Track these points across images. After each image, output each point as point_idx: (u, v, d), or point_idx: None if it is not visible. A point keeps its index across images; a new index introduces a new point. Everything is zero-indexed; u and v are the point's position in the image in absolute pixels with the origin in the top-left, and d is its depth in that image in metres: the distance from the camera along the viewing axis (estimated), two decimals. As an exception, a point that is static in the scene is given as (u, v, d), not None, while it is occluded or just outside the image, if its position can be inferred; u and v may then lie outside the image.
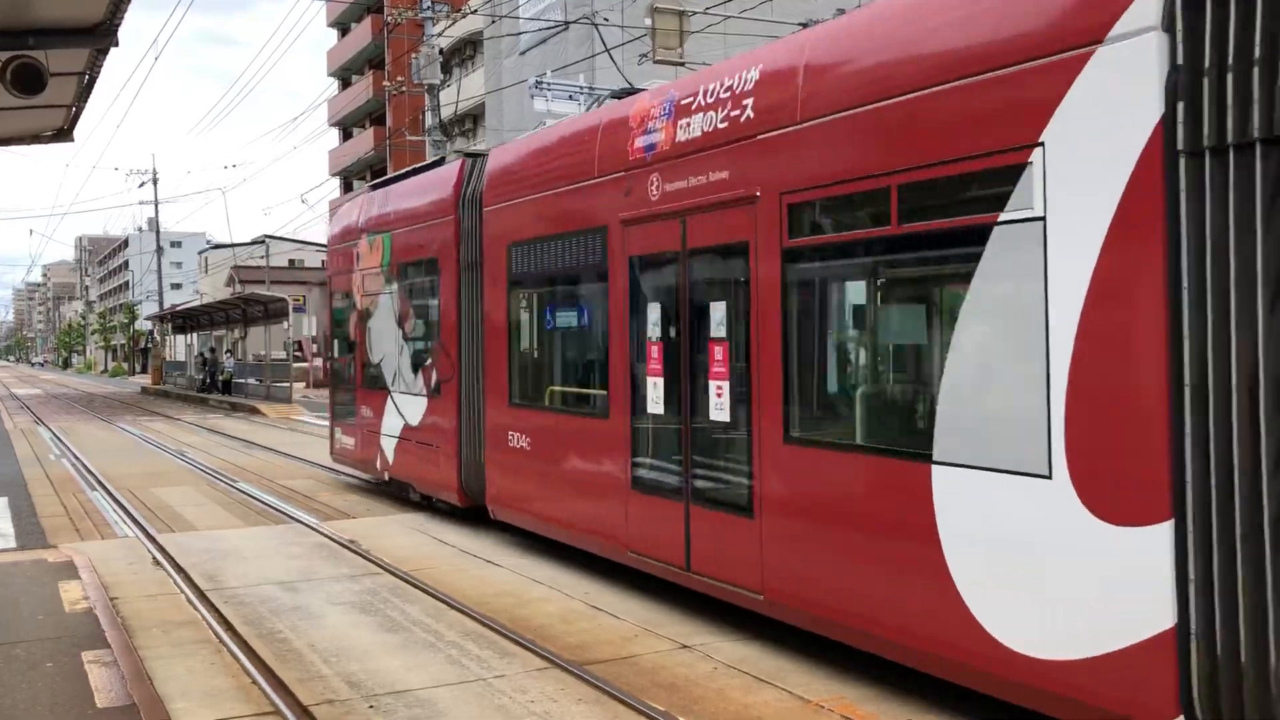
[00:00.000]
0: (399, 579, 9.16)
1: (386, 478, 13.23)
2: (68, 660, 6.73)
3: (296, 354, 47.48)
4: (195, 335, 51.43)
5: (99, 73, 11.00)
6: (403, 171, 13.48)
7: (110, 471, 17.54)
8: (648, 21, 21.40)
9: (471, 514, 11.51)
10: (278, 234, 61.98)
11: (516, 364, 10.20)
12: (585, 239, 8.81)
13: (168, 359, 59.14)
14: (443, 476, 11.58)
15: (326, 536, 11.23)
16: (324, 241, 79.99)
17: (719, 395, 7.28)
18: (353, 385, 14.38)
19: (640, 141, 8.08)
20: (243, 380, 40.70)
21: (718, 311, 7.37)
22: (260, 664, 6.77)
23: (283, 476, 16.78)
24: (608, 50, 22.72)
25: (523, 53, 38.29)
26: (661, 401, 7.87)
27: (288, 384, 35.81)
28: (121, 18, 9.40)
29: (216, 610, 8.17)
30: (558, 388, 9.76)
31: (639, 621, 7.69)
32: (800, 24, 8.22)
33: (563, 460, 9.20)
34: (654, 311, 8.00)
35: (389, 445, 12.98)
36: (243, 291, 49.96)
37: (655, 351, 7.96)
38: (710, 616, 7.69)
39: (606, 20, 26.72)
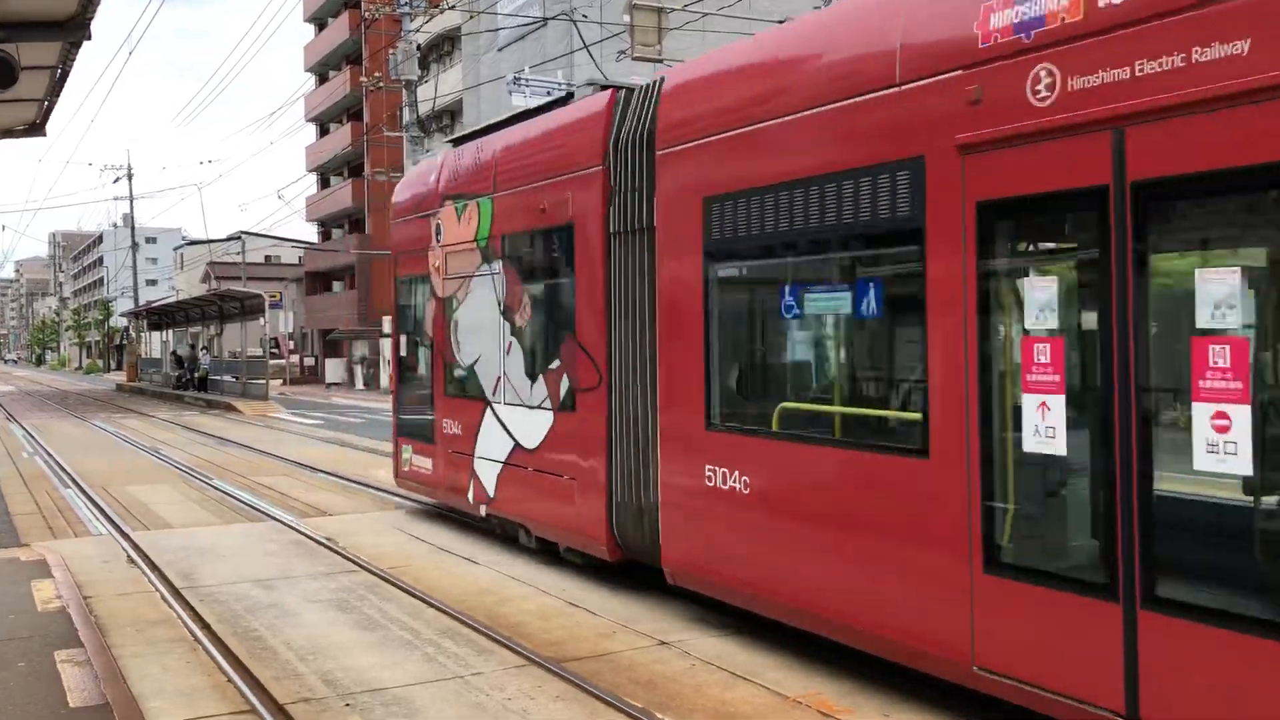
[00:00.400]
0: (376, 577, 9.12)
1: (483, 513, 10.25)
2: (40, 660, 6.67)
3: (273, 351, 47.30)
4: (171, 332, 51.12)
5: (71, 66, 10.93)
6: (508, 116, 10.52)
7: (84, 469, 17.40)
8: (626, 18, 21.40)
9: (609, 567, 8.62)
10: (254, 230, 61.63)
11: (720, 369, 7.23)
12: (872, 180, 5.87)
13: (143, 356, 58.72)
14: (581, 520, 8.62)
15: (303, 534, 11.17)
16: (301, 238, 78.96)
17: (1222, 429, 4.43)
18: (430, 392, 11.41)
19: (1003, 17, 5.26)
20: (218, 377, 40.46)
21: (1216, 286, 4.45)
22: (236, 662, 6.73)
23: (259, 474, 16.69)
24: (586, 47, 22.71)
25: (501, 49, 38.22)
26: (1060, 434, 5.03)
27: (264, 381, 35.64)
28: (94, 11, 9.34)
29: (192, 608, 8.11)
30: (806, 405, 6.76)
31: (617, 618, 7.69)
32: (778, 21, 7.94)
33: (821, 514, 6.23)
34: (1038, 290, 5.15)
35: (488, 472, 10.03)
36: (219, 288, 49.68)
37: (1045, 354, 5.16)
38: (688, 613, 7.69)
39: (585, 17, 26.70)
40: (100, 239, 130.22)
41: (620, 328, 8.18)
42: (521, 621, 7.67)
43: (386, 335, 47.82)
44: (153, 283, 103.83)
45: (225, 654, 6.91)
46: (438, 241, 11.05)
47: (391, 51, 37.01)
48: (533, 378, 9.35)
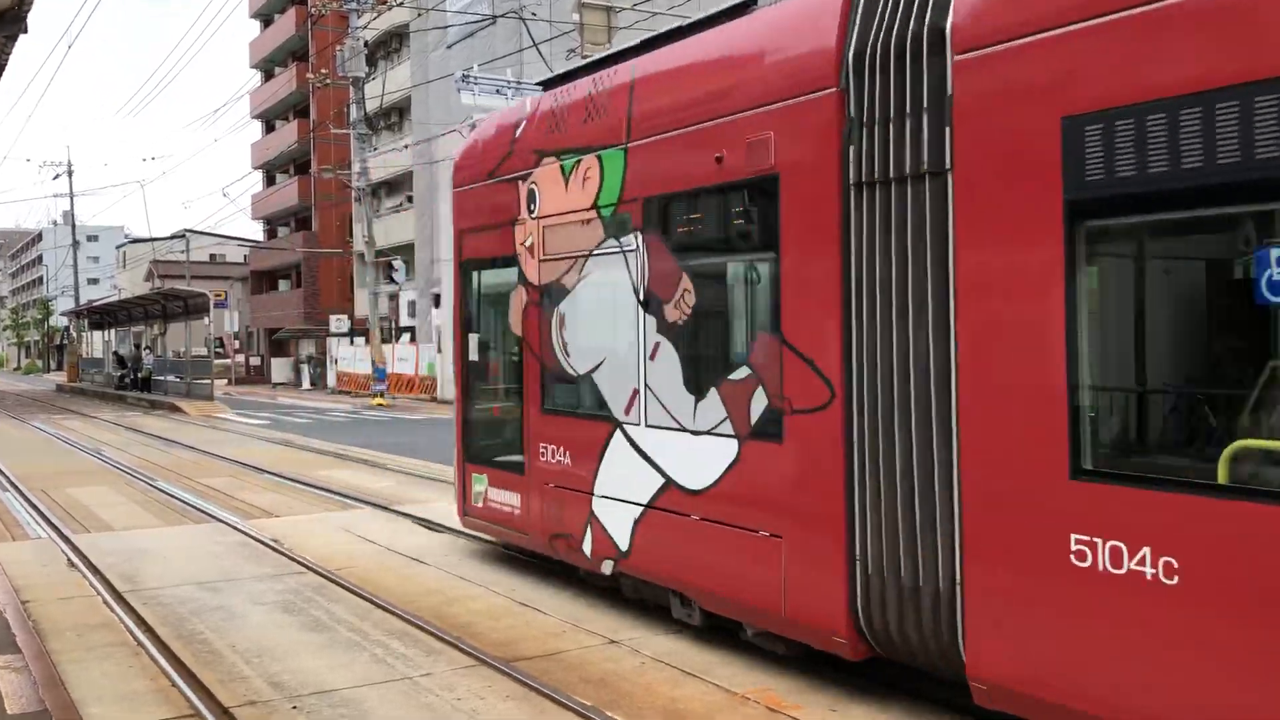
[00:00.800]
0: (323, 578, 9.03)
1: (608, 571, 7.69)
2: (-23, 666, 6.53)
3: (218, 350, 46.71)
4: (113, 331, 50.32)
5: (7, 60, 10.70)
6: (642, 41, 7.96)
7: (23, 471, 17.05)
8: (575, 17, 21.40)
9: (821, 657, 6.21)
10: (198, 228, 60.88)
11: (1097, 387, 4.82)
12: None
13: (84, 356, 57.74)
14: (794, 595, 6.04)
15: (248, 535, 11.04)
16: (246, 236, 78.45)
17: None
18: (517, 407, 8.75)
19: None
20: (162, 377, 39.91)
21: None
22: (180, 666, 6.63)
23: (203, 475, 16.46)
24: (535, 45, 22.65)
25: (450, 46, 37.99)
26: None
27: (208, 381, 35.22)
28: (30, 4, 9.15)
29: (134, 612, 7.98)
30: None
31: (566, 617, 7.68)
32: None
33: None
34: None
35: (617, 517, 7.50)
36: (162, 286, 48.97)
37: None
38: (638, 613, 7.70)
39: (534, 15, 26.61)
40: (39, 237, 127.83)
41: (872, 322, 5.60)
42: (471, 621, 7.64)
43: (334, 334, 47.49)
44: (94, 281, 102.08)
45: (169, 657, 6.81)
46: (530, 212, 8.49)
47: (339, 48, 36.68)
48: (698, 392, 6.79)
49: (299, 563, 9.64)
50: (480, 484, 9.33)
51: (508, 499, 8.87)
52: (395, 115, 48.47)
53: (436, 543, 10.48)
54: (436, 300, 38.92)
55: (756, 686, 6.13)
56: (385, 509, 12.53)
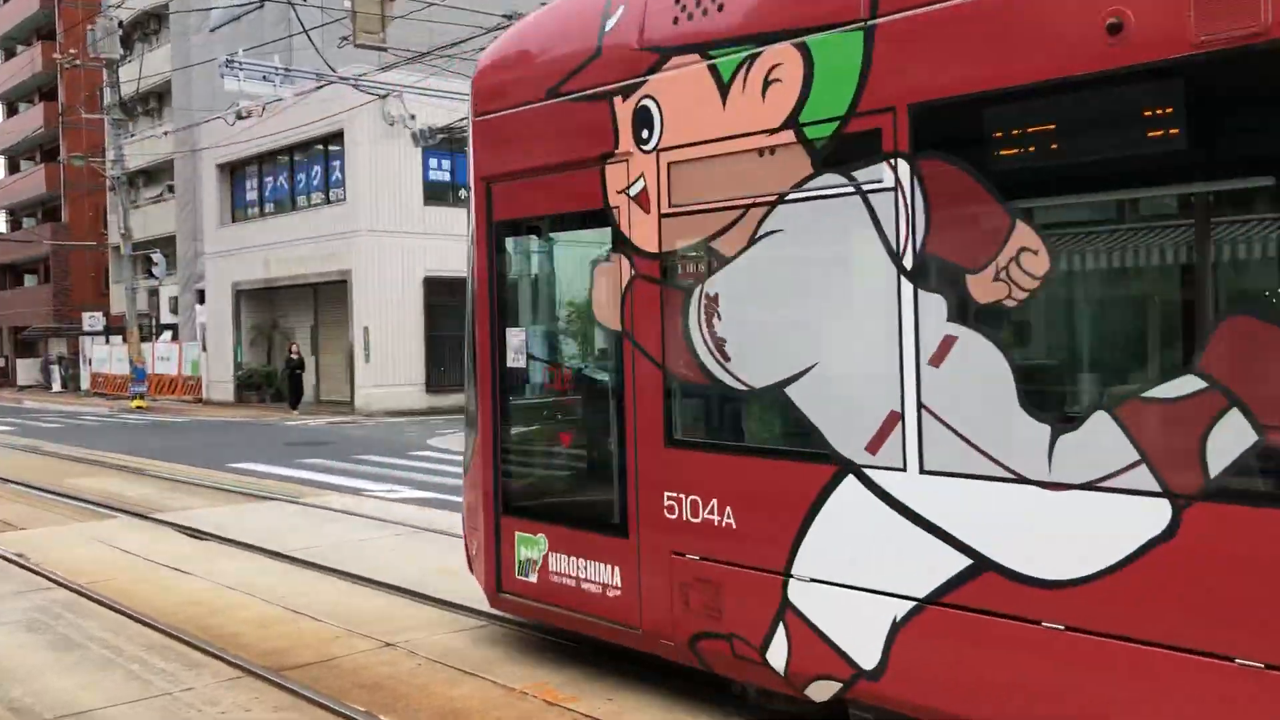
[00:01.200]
0: (74, 593, 8.47)
1: (822, 696, 4.99)
2: None
3: (-46, 351, 43.21)
4: None
5: None
6: None
7: None
8: (348, 4, 20.84)
9: None
10: (-72, 218, 56.12)
11: None
12: None
13: None
14: None
15: (-12, 551, 10.23)
16: (-14, 227, 72.84)
17: None
18: (607, 432, 6.05)
19: None
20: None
21: None
22: (-96, 696, 6.09)
23: (-64, 487, 15.15)
24: (306, 31, 21.91)
25: (213, 29, 36.28)
26: None
27: (-57, 384, 32.49)
28: None
29: None
30: None
31: (341, 623, 7.47)
32: (504, 15, 7.66)
33: None
34: None
35: (851, 613, 4.82)
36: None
37: None
38: (419, 615, 7.59)
39: (305, 1, 25.71)
40: None
41: None
42: (238, 632, 7.33)
43: (88, 333, 44.67)
44: None
45: (-108, 688, 6.23)
46: (641, 143, 5.69)
47: (90, 27, 34.52)
48: (1060, 418, 4.22)
49: (46, 577, 9.00)
50: (532, 547, 6.47)
51: (591, 572, 6.09)
52: (154, 100, 45.99)
53: (201, 551, 10.00)
54: (201, 296, 37.18)
55: (534, 681, 6.15)
56: (144, 517, 11.87)
